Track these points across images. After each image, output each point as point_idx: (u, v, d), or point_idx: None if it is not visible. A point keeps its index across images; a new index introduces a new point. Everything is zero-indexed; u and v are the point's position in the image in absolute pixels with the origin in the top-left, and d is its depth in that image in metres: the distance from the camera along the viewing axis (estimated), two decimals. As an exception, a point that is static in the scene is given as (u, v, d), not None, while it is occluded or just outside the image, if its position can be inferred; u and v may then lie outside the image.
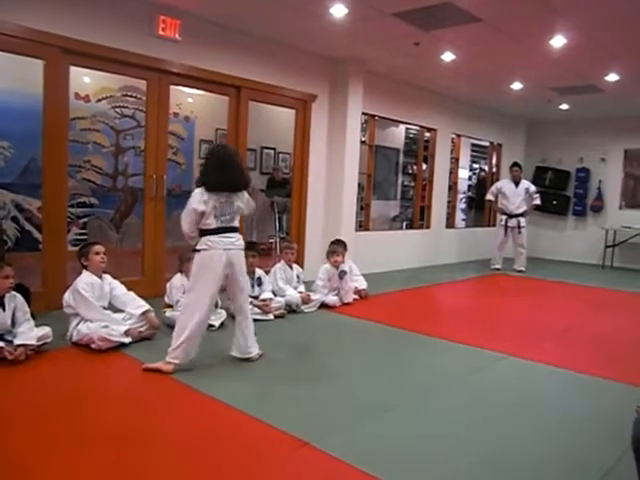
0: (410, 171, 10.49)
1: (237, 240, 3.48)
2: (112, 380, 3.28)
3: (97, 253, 3.89)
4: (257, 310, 4.66)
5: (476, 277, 7.95)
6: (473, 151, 11.41)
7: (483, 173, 11.55)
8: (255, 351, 3.63)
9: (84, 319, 3.73)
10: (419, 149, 8.99)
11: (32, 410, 2.73)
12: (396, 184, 10.74)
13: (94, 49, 4.62)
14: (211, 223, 3.37)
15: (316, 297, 5.26)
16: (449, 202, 9.42)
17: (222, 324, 4.40)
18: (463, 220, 11.18)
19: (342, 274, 5.46)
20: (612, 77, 6.83)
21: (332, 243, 5.74)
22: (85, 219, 7.38)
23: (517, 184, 8.51)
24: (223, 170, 3.39)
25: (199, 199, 3.35)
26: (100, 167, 7.51)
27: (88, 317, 3.71)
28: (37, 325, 3.56)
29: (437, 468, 2.34)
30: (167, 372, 3.25)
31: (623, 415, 2.79)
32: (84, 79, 7.00)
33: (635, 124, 9.46)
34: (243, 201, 3.52)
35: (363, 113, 7.12)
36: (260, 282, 4.90)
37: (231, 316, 4.61)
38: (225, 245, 3.39)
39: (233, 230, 3.46)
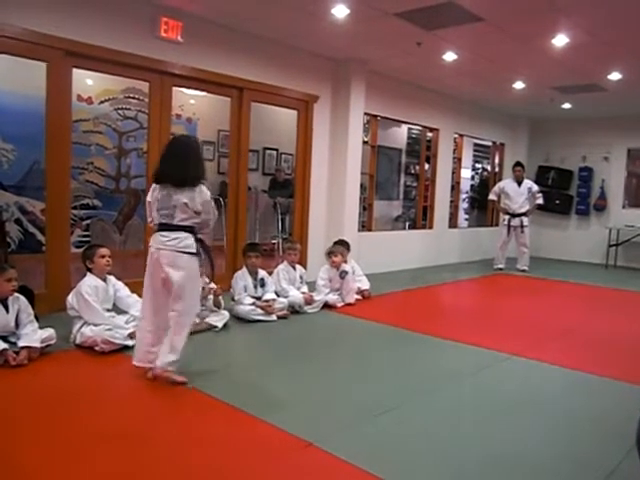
0: (412, 171, 10.48)
1: (170, 240, 3.11)
2: (115, 381, 3.28)
3: (103, 256, 3.89)
4: (260, 311, 4.68)
5: (479, 277, 7.94)
6: (476, 151, 11.40)
7: (486, 173, 11.53)
8: (160, 363, 3.14)
9: (87, 322, 3.74)
10: (421, 149, 8.99)
11: (35, 411, 2.73)
12: (398, 184, 10.73)
13: (96, 51, 4.63)
14: (154, 218, 3.23)
15: (319, 298, 5.26)
16: (452, 202, 9.41)
17: (225, 325, 4.40)
18: (466, 220, 11.17)
19: (343, 274, 5.47)
20: (615, 76, 6.81)
21: (334, 243, 5.76)
22: (88, 221, 7.40)
23: (520, 184, 8.50)
24: (167, 161, 3.19)
25: (150, 189, 3.28)
26: (103, 169, 7.54)
27: (91, 321, 3.72)
28: (41, 327, 3.56)
29: (439, 468, 2.34)
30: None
31: (627, 414, 2.79)
32: (87, 81, 7.02)
33: (638, 123, 9.43)
34: (190, 197, 3.11)
35: (365, 113, 7.12)
36: (263, 283, 4.90)
37: (234, 317, 4.63)
38: (157, 244, 3.15)
39: (170, 228, 3.14)
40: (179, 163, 3.14)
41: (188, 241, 3.14)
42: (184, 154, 3.18)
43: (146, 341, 3.23)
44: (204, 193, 3.17)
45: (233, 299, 4.77)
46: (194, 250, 3.16)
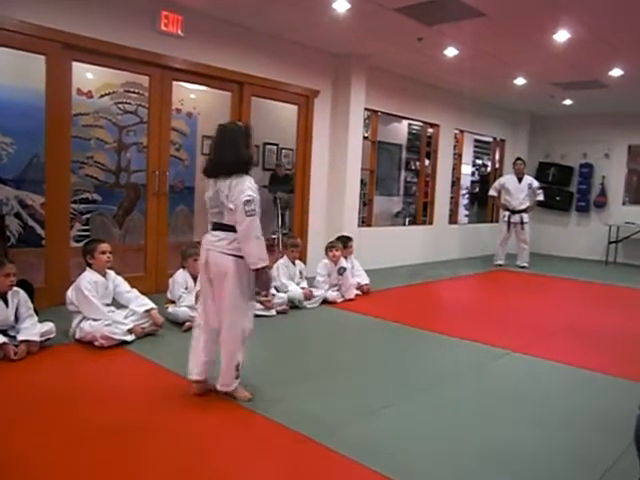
0: (413, 167, 10.46)
1: (218, 240, 2.83)
2: (115, 376, 3.28)
3: (103, 252, 3.87)
4: (259, 306, 4.67)
5: (479, 273, 7.94)
6: (476, 147, 11.38)
7: (484, 169, 11.52)
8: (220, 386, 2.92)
9: (87, 317, 3.73)
10: (422, 145, 8.98)
11: (34, 405, 2.74)
12: (399, 180, 10.71)
13: (96, 45, 4.61)
14: (209, 216, 2.97)
15: (318, 293, 5.26)
16: (452, 198, 9.40)
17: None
18: (466, 216, 11.16)
19: (341, 270, 5.47)
20: (616, 72, 6.79)
21: (337, 238, 5.78)
22: (88, 215, 7.39)
23: (520, 180, 8.50)
24: (213, 150, 2.92)
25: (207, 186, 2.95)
26: (103, 163, 7.52)
27: (90, 316, 3.71)
28: (40, 321, 3.56)
29: (438, 463, 2.35)
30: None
31: (626, 411, 2.79)
32: (86, 75, 6.99)
33: (639, 120, 9.42)
34: (229, 188, 2.76)
35: (366, 109, 7.10)
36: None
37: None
38: (206, 244, 2.89)
39: (218, 227, 2.87)
40: (225, 150, 2.83)
41: (229, 242, 2.81)
42: (233, 140, 2.85)
43: (201, 354, 2.94)
44: (239, 185, 2.74)
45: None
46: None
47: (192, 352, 2.95)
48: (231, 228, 2.80)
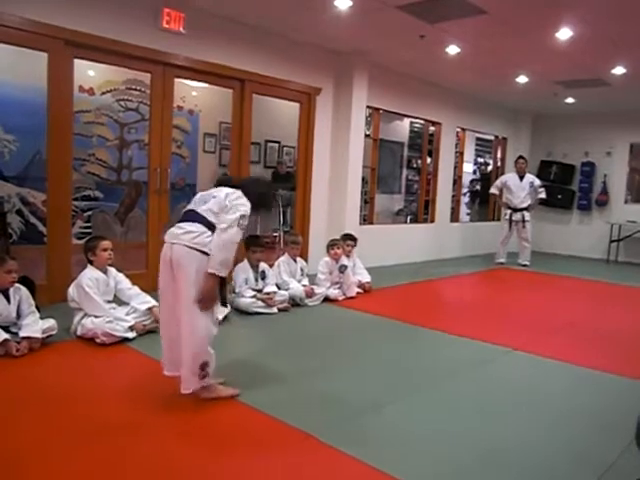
0: (414, 165, 10.46)
1: (184, 233, 2.67)
2: (115, 373, 3.28)
3: (105, 249, 3.88)
4: (261, 303, 4.68)
5: (480, 271, 7.94)
6: (478, 145, 11.36)
7: (486, 167, 11.50)
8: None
9: (88, 314, 3.74)
10: (424, 143, 8.96)
11: (35, 402, 2.74)
12: (400, 178, 10.71)
13: (98, 42, 4.61)
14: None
15: (320, 291, 5.26)
16: (453, 196, 9.40)
17: (226, 317, 4.39)
18: (467, 214, 11.16)
19: (342, 268, 5.47)
20: (619, 70, 6.77)
21: (342, 236, 5.79)
22: (90, 212, 7.40)
23: (522, 178, 8.48)
24: (245, 181, 3.06)
25: None
26: (104, 160, 7.53)
27: (92, 313, 3.72)
28: (42, 317, 3.57)
29: (438, 462, 2.35)
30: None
31: (627, 409, 2.80)
32: (88, 72, 6.99)
33: (642, 118, 9.42)
34: (228, 194, 2.76)
35: (367, 106, 7.09)
36: (264, 275, 4.90)
37: (235, 309, 4.64)
38: (170, 238, 2.73)
39: (187, 218, 2.75)
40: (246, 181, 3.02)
41: (206, 238, 2.66)
42: (255, 183, 3.02)
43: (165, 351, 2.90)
44: (241, 199, 2.75)
45: (234, 291, 4.78)
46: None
47: (165, 349, 2.89)
48: (201, 220, 2.69)
